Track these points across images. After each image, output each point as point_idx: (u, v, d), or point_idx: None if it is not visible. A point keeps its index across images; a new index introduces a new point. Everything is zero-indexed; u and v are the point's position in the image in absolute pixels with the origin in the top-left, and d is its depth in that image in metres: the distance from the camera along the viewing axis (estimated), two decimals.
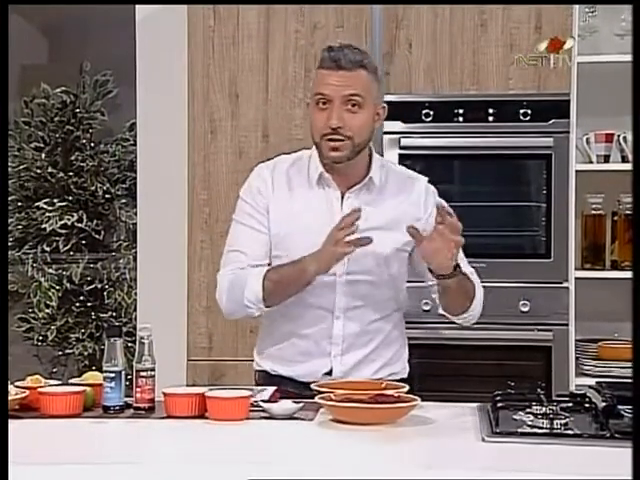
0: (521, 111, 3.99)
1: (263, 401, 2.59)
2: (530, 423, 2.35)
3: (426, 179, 2.99)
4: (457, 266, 2.75)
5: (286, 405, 2.56)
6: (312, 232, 2.81)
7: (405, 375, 2.99)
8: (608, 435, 2.27)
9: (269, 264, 2.89)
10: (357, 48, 2.84)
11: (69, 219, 6.22)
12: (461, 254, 2.83)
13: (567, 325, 3.94)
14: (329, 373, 2.87)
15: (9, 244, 6.10)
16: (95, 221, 6.29)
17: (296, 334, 2.89)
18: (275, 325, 2.93)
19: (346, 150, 2.79)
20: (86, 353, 6.20)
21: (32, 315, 6.28)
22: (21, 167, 6.32)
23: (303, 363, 2.89)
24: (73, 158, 6.32)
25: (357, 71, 2.77)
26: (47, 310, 6.25)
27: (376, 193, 2.88)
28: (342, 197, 2.87)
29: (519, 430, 2.31)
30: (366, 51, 2.88)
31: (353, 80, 2.76)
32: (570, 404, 2.53)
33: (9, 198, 6.12)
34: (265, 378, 2.94)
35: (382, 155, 4.00)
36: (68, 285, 6.26)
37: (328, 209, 2.86)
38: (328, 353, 2.88)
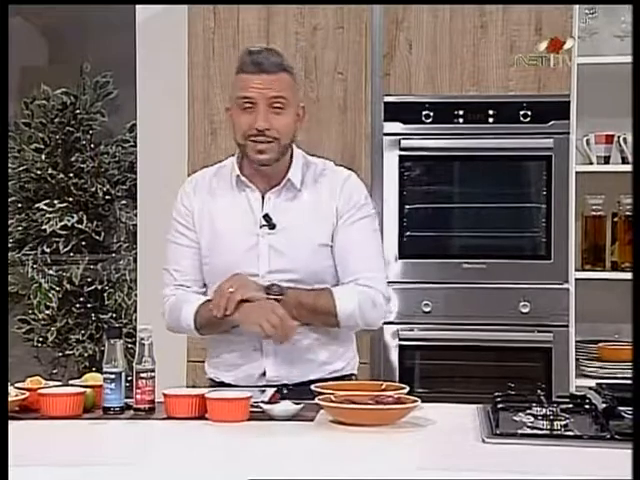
0: (521, 112, 3.99)
1: (263, 402, 2.59)
2: (530, 424, 2.34)
3: (350, 173, 2.98)
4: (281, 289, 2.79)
5: (286, 406, 2.56)
6: (235, 234, 2.87)
7: (354, 371, 2.97)
8: (608, 436, 2.26)
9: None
10: (276, 51, 2.89)
11: (69, 220, 6.23)
12: (366, 253, 2.87)
13: (567, 326, 3.94)
14: (264, 374, 2.87)
15: (9, 245, 6.11)
16: (95, 222, 6.30)
17: (230, 338, 2.88)
18: None
19: (273, 152, 2.82)
20: (86, 354, 6.20)
21: (32, 316, 6.28)
22: (21, 168, 6.33)
23: (240, 367, 2.89)
24: (73, 159, 6.33)
25: (280, 74, 2.80)
26: (47, 311, 6.25)
27: (297, 191, 2.89)
28: (263, 198, 2.89)
29: (519, 431, 2.30)
30: (282, 53, 2.90)
31: (276, 83, 2.79)
32: (570, 405, 2.53)
33: (9, 199, 6.12)
34: (213, 386, 2.90)
35: (382, 156, 4.02)
36: (68, 286, 6.26)
37: (250, 210, 2.88)
38: (260, 355, 2.87)
